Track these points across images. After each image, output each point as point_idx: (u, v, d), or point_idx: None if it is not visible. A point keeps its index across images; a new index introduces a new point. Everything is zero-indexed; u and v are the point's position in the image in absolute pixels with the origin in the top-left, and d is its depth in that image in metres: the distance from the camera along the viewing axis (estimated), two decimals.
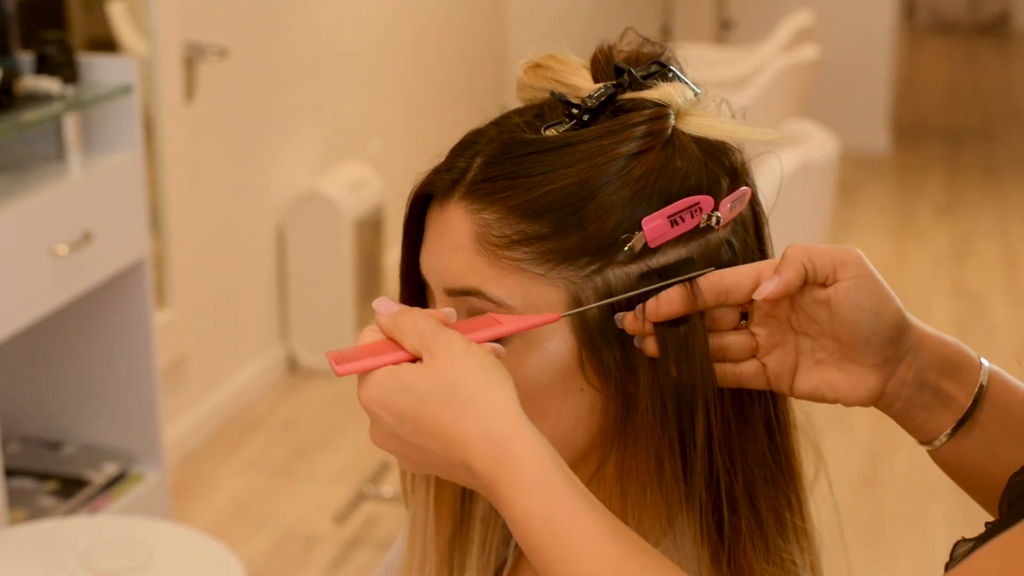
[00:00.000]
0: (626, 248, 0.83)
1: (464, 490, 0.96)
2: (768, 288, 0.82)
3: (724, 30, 6.43)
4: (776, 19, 5.35)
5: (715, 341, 0.85)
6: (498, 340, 0.83)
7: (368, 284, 4.09)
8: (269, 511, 3.28)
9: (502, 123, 0.89)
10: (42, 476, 2.77)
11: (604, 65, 0.89)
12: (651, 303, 0.83)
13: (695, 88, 0.89)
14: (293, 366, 4.05)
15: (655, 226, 0.83)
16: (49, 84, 2.54)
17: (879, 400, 0.86)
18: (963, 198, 5.99)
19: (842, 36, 6.39)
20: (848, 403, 0.85)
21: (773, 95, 4.12)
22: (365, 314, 4.07)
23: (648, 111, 0.85)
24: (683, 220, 0.83)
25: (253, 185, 3.81)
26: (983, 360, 0.87)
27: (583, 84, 0.88)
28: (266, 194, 3.87)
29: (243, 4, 3.64)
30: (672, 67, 0.89)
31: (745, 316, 0.86)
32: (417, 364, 0.80)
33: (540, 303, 0.84)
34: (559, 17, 6.07)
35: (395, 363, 0.81)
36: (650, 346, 0.84)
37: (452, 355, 0.79)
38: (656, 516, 0.88)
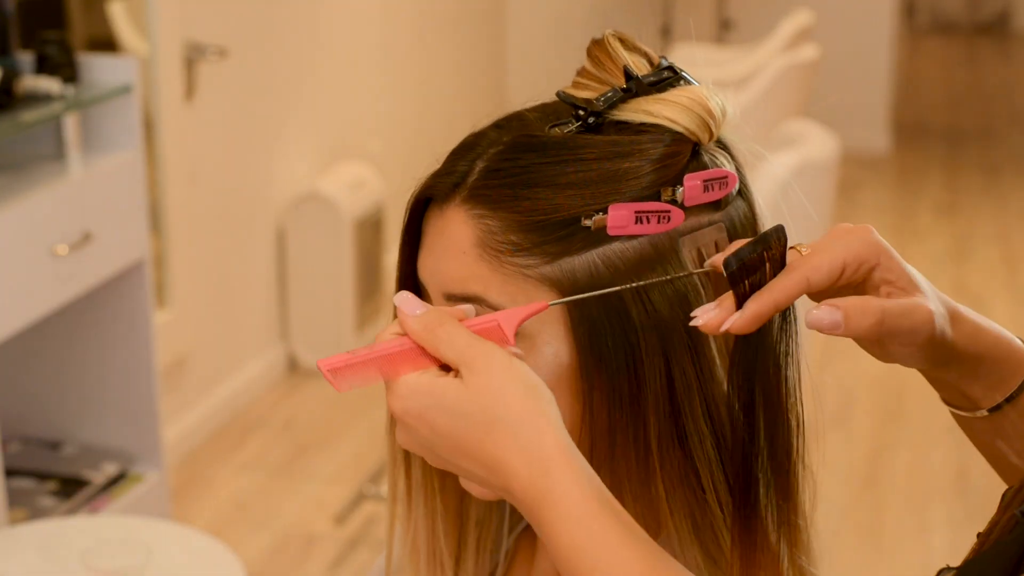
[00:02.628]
0: (583, 223, 0.82)
1: (463, 493, 0.96)
2: (826, 320, 0.80)
3: (724, 30, 6.43)
4: (776, 19, 5.35)
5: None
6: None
7: (368, 284, 4.09)
8: (269, 511, 3.28)
9: (505, 125, 0.87)
10: (42, 476, 2.77)
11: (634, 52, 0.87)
12: (740, 320, 0.79)
13: (726, 107, 0.87)
14: (293, 366, 4.05)
15: (620, 215, 0.82)
16: (49, 84, 2.54)
17: (888, 360, 0.86)
18: (963, 198, 5.99)
19: (842, 36, 6.38)
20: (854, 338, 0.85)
21: (773, 95, 4.12)
22: (365, 314, 4.07)
23: (666, 147, 0.84)
24: (647, 221, 0.83)
25: (253, 185, 3.81)
26: None
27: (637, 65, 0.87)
28: (266, 194, 3.87)
29: (243, 4, 3.64)
30: (684, 73, 0.87)
31: None
32: (456, 380, 0.78)
33: (543, 311, 0.83)
34: (559, 17, 6.07)
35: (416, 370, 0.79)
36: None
37: (493, 374, 0.77)
38: (651, 516, 0.87)
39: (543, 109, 0.88)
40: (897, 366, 0.88)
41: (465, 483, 0.86)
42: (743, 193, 0.88)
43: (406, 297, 0.81)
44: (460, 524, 0.96)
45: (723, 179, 0.85)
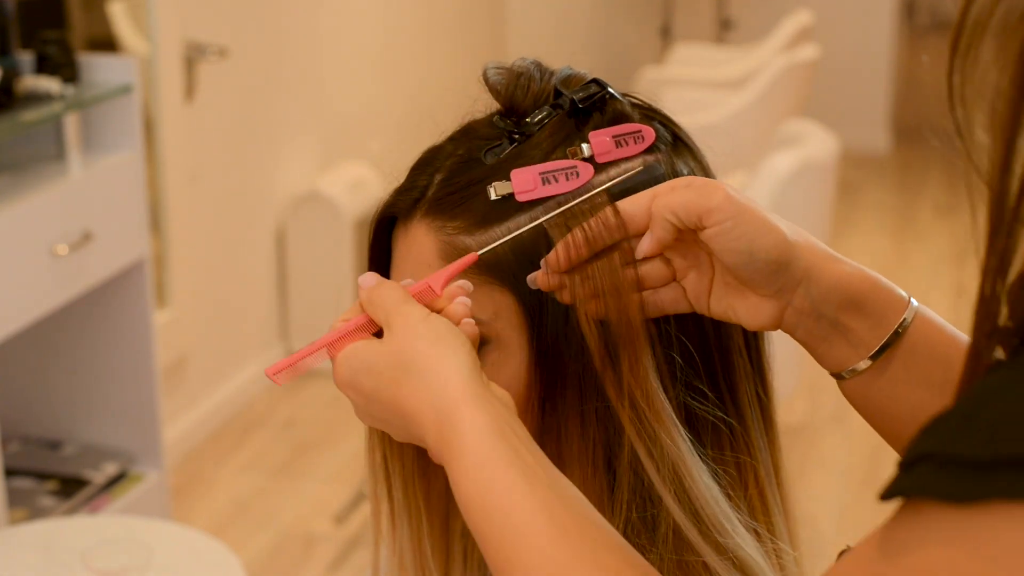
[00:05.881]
0: (488, 193, 0.83)
1: (448, 507, 0.96)
2: (644, 248, 0.82)
3: (724, 30, 6.43)
4: (776, 19, 5.36)
5: (631, 272, 0.83)
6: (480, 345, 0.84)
7: None
8: (269, 511, 3.28)
9: (459, 138, 0.90)
10: (42, 476, 2.77)
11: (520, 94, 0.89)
12: (553, 254, 0.81)
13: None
14: None
15: (524, 179, 0.83)
16: (49, 84, 2.54)
17: (780, 326, 0.85)
18: (963, 198, 5.98)
19: (842, 36, 6.39)
20: (751, 327, 0.84)
21: (773, 95, 4.12)
22: None
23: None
24: (555, 180, 0.83)
25: (253, 185, 3.81)
26: (913, 301, 0.85)
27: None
28: (266, 194, 3.87)
29: (243, 4, 3.64)
30: (610, 88, 0.88)
31: None
32: (377, 340, 0.79)
33: (509, 314, 0.84)
34: (559, 17, 6.07)
35: (346, 341, 0.80)
36: (565, 295, 0.82)
37: (407, 328, 0.78)
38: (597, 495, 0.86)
39: (491, 121, 0.89)
40: None
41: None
42: (688, 146, 0.89)
43: (367, 276, 0.83)
44: (446, 538, 0.96)
45: (636, 133, 0.86)
